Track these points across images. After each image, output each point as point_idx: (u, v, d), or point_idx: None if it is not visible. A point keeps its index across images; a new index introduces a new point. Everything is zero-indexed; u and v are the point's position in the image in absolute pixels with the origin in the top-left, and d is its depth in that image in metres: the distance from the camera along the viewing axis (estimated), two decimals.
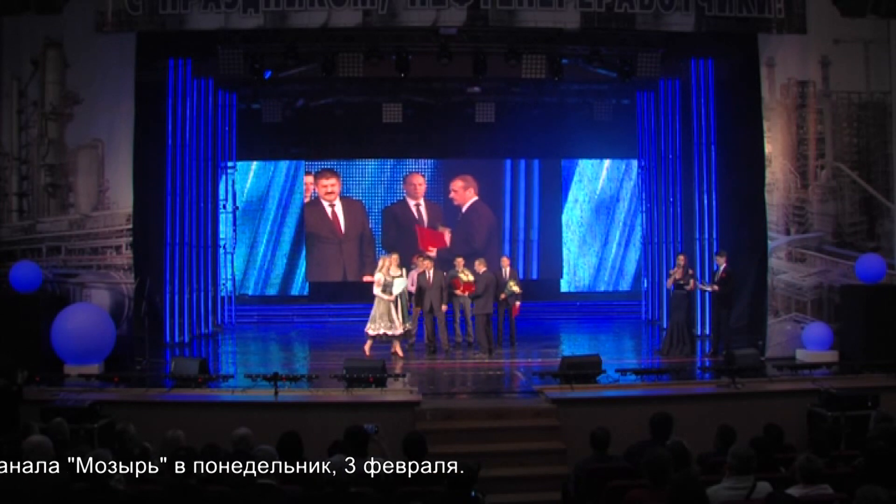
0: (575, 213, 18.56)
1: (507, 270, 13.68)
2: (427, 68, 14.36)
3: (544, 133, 17.71)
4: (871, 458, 5.51)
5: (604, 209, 18.58)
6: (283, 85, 16.06)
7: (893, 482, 4.98)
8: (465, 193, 18.29)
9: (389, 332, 12.65)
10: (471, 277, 13.15)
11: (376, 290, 12.63)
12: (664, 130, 16.25)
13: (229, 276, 17.14)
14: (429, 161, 18.31)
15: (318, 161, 18.15)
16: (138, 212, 12.10)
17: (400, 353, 12.82)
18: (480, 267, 13.20)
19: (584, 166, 18.53)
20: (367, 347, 12.74)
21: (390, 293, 12.61)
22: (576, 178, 18.55)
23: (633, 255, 18.48)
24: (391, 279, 12.65)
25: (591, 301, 18.25)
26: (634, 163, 18.07)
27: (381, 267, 12.76)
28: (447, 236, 17.89)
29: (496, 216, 18.35)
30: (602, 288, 18.63)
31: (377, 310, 12.64)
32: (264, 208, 18.07)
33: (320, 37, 13.05)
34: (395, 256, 12.98)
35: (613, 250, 18.61)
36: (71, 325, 11.00)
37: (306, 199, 18.11)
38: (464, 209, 18.30)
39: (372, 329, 12.63)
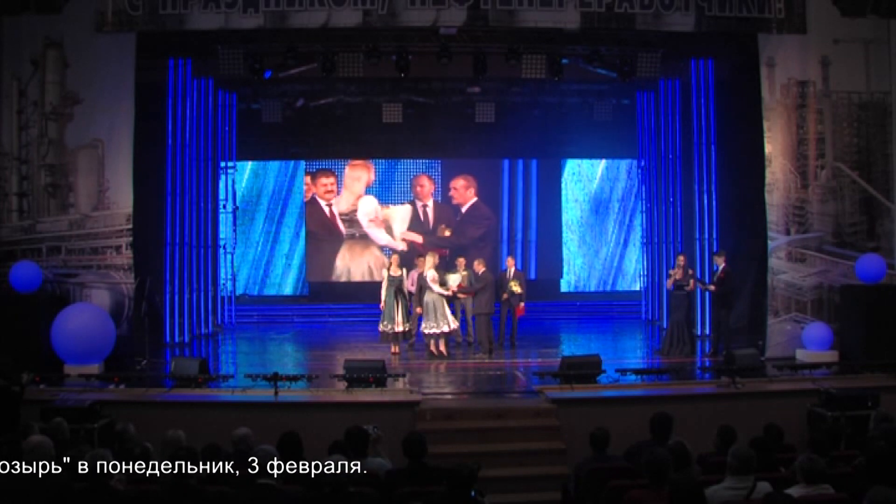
0: (574, 212, 18.57)
1: (511, 271, 13.71)
2: (427, 68, 14.38)
3: (544, 133, 17.72)
4: (871, 459, 5.51)
5: (603, 209, 18.58)
6: (283, 85, 16.08)
7: (894, 482, 4.98)
8: (465, 193, 18.29)
9: (447, 330, 12.56)
10: (465, 273, 13.19)
11: (435, 287, 12.50)
12: (664, 130, 16.25)
13: (229, 276, 17.14)
14: (429, 161, 18.30)
15: (318, 161, 18.14)
16: (138, 212, 12.09)
17: (398, 350, 12.79)
18: (480, 267, 13.21)
19: (583, 165, 18.53)
20: (435, 347, 12.63)
21: (447, 288, 12.60)
22: (574, 177, 18.55)
23: (633, 254, 18.48)
24: (443, 275, 12.64)
25: (591, 301, 18.24)
26: (633, 162, 18.08)
27: (430, 265, 12.62)
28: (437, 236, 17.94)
29: (495, 216, 18.35)
30: (602, 288, 18.64)
31: (431, 307, 12.48)
32: (262, 207, 18.07)
33: (320, 37, 13.06)
34: (434, 256, 12.91)
35: (612, 250, 18.62)
36: (71, 325, 11.00)
37: (306, 198, 18.13)
38: (464, 209, 18.31)
39: (428, 328, 12.51)
